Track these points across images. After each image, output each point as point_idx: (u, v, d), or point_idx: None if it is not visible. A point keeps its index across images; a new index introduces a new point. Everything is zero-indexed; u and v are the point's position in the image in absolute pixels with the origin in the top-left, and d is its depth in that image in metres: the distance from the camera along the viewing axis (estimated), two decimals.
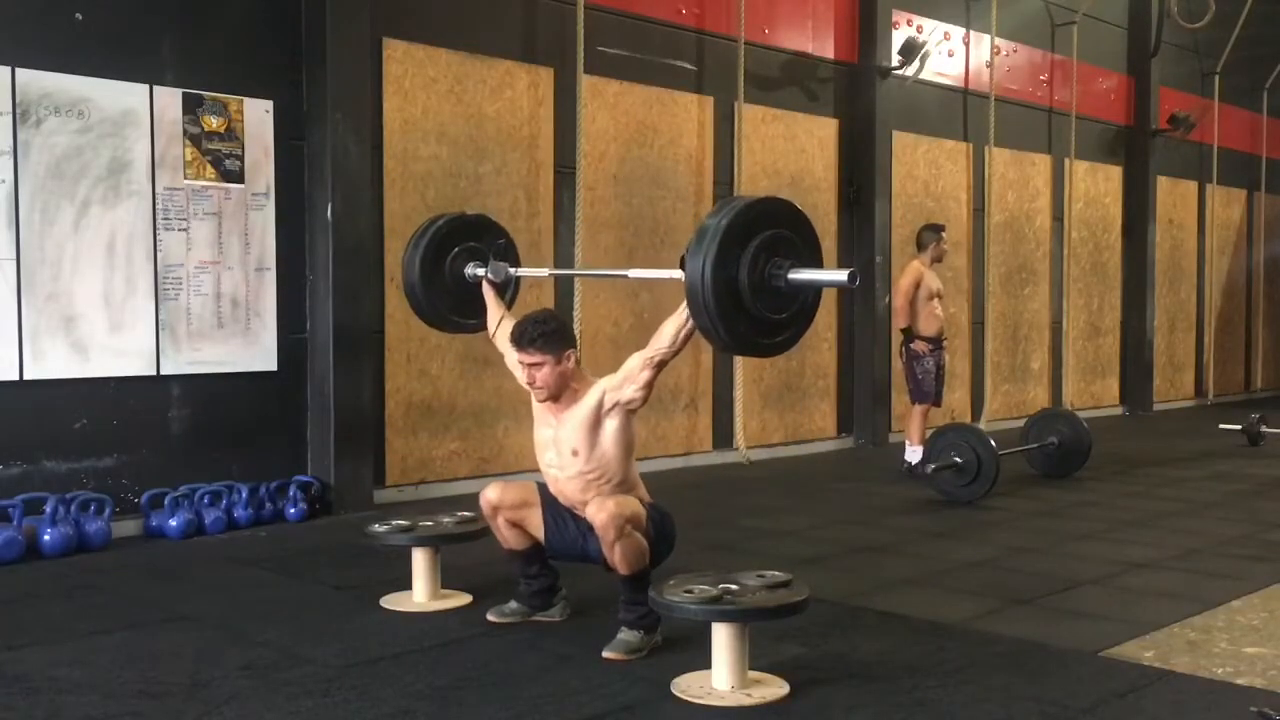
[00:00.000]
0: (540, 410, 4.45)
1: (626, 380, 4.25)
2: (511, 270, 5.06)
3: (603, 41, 8.52)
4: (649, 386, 4.24)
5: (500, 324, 4.83)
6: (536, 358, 4.27)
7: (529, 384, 4.34)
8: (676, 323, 4.09)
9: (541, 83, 8.20)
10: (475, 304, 5.08)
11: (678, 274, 3.85)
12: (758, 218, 3.72)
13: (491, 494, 4.49)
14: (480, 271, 5.01)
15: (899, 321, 8.85)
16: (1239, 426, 10.75)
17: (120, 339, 6.35)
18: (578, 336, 8.09)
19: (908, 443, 8.84)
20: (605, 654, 4.13)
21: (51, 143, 6.11)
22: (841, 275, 3.73)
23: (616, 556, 4.15)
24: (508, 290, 5.11)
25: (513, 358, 4.54)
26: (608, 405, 4.27)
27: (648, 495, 4.42)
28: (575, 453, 4.29)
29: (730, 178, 9.43)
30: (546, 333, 4.28)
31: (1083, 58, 12.89)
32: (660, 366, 4.20)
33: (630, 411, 4.29)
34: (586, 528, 4.31)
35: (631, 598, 4.19)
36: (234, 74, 6.74)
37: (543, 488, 4.53)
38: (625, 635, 4.19)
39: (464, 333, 5.34)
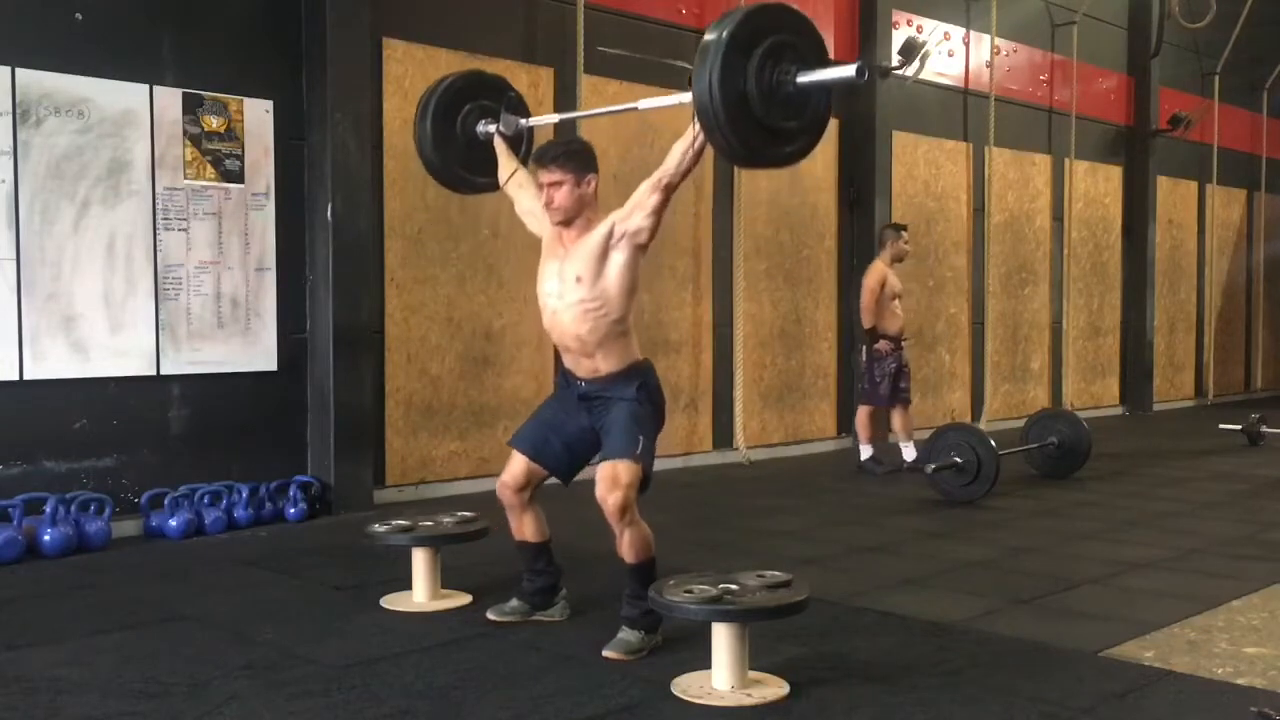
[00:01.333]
0: (550, 241, 4.40)
1: (635, 208, 4.19)
2: (523, 122, 5.01)
3: (602, 41, 8.51)
4: (658, 213, 4.17)
5: (513, 174, 4.81)
6: (557, 175, 4.22)
7: (546, 204, 4.29)
8: (684, 143, 4.03)
9: (541, 82, 8.20)
10: (488, 162, 5.00)
11: (686, 97, 3.82)
12: (759, 27, 3.68)
13: (508, 476, 4.45)
14: (491, 128, 4.97)
15: (865, 321, 8.90)
16: (1239, 426, 10.75)
17: (120, 339, 6.35)
18: None
19: (860, 442, 8.98)
20: (605, 653, 4.13)
21: (51, 143, 6.11)
22: (849, 69, 3.69)
23: (624, 544, 4.16)
24: (520, 145, 5.04)
25: (524, 204, 4.56)
26: (616, 235, 4.21)
27: (639, 352, 4.35)
28: (579, 279, 4.23)
29: (730, 177, 9.43)
30: (570, 151, 4.26)
31: (1083, 58, 12.90)
32: (669, 190, 4.14)
33: (639, 246, 4.22)
34: (573, 400, 4.33)
35: (636, 591, 4.19)
36: (234, 74, 6.75)
37: (517, 442, 4.47)
38: (626, 635, 4.19)
39: (479, 191, 5.24)
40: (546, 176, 4.25)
